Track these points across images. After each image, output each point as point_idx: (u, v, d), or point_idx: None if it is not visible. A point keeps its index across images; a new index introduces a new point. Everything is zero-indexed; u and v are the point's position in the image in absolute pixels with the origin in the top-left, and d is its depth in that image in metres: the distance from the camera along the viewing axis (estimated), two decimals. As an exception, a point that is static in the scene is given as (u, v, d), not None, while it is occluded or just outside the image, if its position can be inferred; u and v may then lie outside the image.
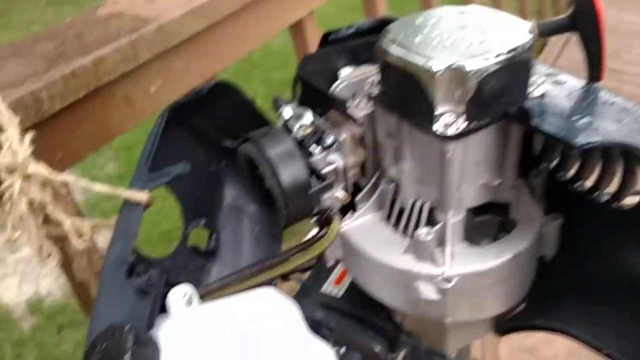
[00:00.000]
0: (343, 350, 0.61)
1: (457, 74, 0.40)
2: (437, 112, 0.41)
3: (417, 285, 0.46)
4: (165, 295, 0.47)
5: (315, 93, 0.52)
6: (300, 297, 0.64)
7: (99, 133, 0.77)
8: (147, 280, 0.47)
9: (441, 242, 0.47)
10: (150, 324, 0.45)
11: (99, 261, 0.70)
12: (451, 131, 0.41)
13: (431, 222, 0.48)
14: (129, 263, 0.51)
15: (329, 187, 0.46)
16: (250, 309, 0.49)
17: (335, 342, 0.61)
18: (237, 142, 0.74)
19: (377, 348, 0.58)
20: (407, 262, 0.47)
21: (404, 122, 0.45)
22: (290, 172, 0.44)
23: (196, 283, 0.70)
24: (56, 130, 0.71)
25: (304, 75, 0.53)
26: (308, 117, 0.51)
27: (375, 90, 0.47)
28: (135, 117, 0.83)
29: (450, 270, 0.46)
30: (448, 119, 0.41)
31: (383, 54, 0.44)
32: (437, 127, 0.42)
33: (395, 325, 0.58)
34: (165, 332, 0.45)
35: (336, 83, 0.53)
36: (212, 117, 0.70)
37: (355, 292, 0.64)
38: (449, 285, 0.46)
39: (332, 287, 0.64)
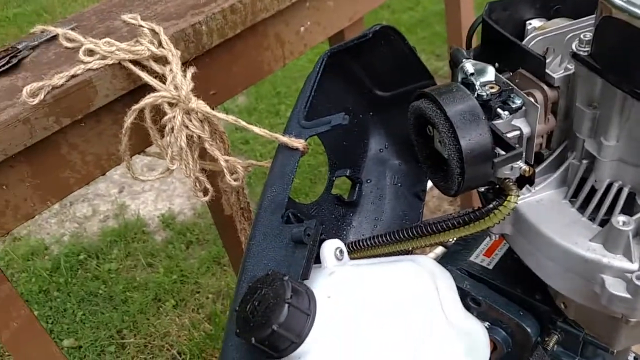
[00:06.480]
0: (486, 324, 0.58)
1: None
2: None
3: (603, 278, 0.40)
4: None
5: (504, 46, 0.46)
6: (445, 263, 0.60)
7: (251, 72, 0.77)
8: (304, 231, 0.46)
9: (639, 233, 0.41)
10: (306, 275, 0.44)
11: (244, 199, 0.72)
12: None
13: (628, 209, 0.42)
14: (284, 208, 0.50)
15: (518, 157, 0.40)
16: (405, 279, 0.47)
17: (479, 315, 0.58)
18: (390, 92, 0.71)
19: (529, 328, 0.54)
20: (594, 251, 0.41)
21: (618, 90, 0.38)
22: (472, 137, 0.40)
23: (337, 232, 0.70)
24: (212, 66, 0.72)
25: (493, 24, 0.46)
26: (490, 73, 0.45)
27: (582, 49, 0.40)
28: (285, 58, 0.82)
29: (648, 267, 0.40)
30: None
31: (606, 7, 0.37)
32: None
33: (554, 309, 0.53)
34: (319, 285, 0.44)
35: (529, 36, 0.46)
36: (367, 63, 0.66)
37: (509, 267, 0.59)
38: (644, 284, 0.39)
39: (482, 258, 0.60)
